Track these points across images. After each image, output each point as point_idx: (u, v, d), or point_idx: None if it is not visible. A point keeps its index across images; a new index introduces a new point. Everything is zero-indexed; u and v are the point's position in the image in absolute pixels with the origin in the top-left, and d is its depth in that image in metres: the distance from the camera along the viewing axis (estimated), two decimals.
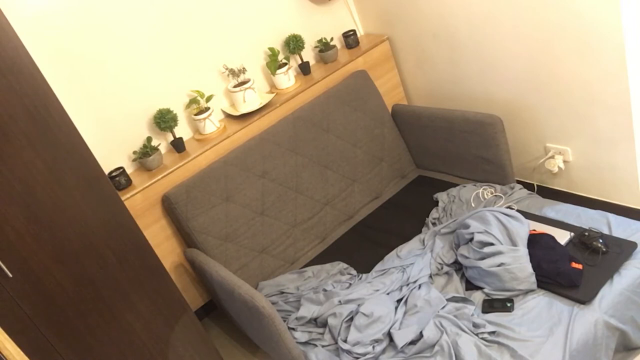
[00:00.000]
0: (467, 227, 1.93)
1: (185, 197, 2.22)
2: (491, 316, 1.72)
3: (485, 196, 2.25)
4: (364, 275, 2.14)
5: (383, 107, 2.64)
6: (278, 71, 2.57)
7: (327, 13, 2.78)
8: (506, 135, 2.26)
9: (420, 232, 2.26)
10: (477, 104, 2.55)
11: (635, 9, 1.79)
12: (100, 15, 2.19)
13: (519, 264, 1.75)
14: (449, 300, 1.82)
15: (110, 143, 2.32)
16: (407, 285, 1.94)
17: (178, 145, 2.41)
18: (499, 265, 1.77)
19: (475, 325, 1.69)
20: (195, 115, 2.44)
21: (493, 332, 1.66)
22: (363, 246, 2.34)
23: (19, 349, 1.61)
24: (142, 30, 2.31)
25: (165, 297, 2.07)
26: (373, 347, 1.76)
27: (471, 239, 1.89)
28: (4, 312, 1.66)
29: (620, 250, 1.76)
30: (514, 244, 1.82)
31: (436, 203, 2.38)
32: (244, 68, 2.53)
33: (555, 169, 2.36)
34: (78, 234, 1.80)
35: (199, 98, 2.46)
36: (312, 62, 2.81)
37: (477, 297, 1.81)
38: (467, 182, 2.42)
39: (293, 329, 1.99)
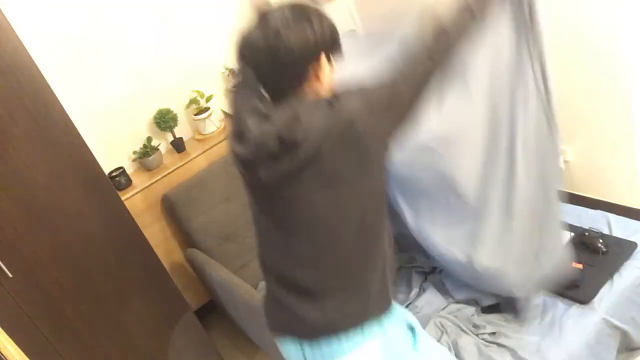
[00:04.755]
0: None
1: (185, 197, 2.22)
2: (491, 316, 1.71)
3: None
4: None
5: None
6: None
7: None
8: None
9: None
10: None
11: (636, 9, 1.79)
12: (101, 16, 2.19)
13: None
14: (449, 300, 1.82)
15: (110, 143, 2.32)
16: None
17: (178, 145, 2.41)
18: None
19: (476, 326, 1.69)
20: (195, 115, 2.44)
21: (493, 333, 1.65)
22: None
23: (19, 349, 1.61)
24: (143, 30, 2.30)
25: (165, 297, 2.07)
26: None
27: None
28: (4, 312, 1.66)
29: (620, 250, 1.75)
30: None
31: None
32: None
33: None
34: (78, 234, 1.80)
35: (198, 98, 2.46)
36: None
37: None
38: None
39: None
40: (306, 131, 1.01)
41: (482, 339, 1.65)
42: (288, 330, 1.21)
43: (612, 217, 1.93)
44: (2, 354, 1.53)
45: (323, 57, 1.08)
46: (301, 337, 1.18)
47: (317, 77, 1.08)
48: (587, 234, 1.83)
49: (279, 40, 1.02)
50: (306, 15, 1.07)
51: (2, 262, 1.63)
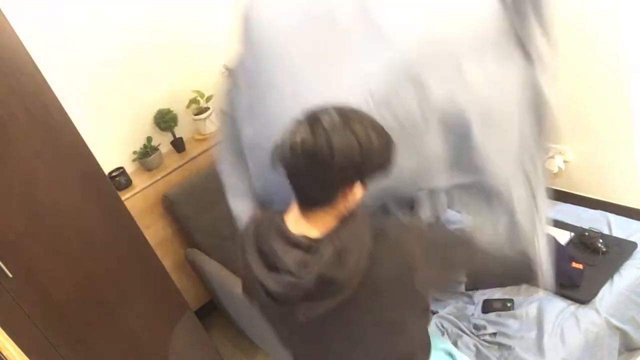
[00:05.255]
0: None
1: (185, 197, 2.22)
2: (491, 316, 1.71)
3: None
4: None
5: None
6: None
7: None
8: None
9: None
10: None
11: (636, 9, 1.79)
12: (101, 16, 2.20)
13: None
14: (449, 300, 1.82)
15: (110, 143, 2.32)
16: None
17: (178, 145, 2.41)
18: None
19: (476, 327, 1.69)
20: (196, 115, 2.44)
21: (494, 334, 1.65)
22: None
23: (19, 349, 1.61)
24: (143, 30, 2.30)
25: (165, 297, 2.07)
26: None
27: None
28: (4, 312, 1.66)
29: (620, 250, 1.76)
30: None
31: None
32: None
33: (555, 169, 2.36)
34: (78, 234, 1.80)
35: (199, 98, 2.46)
36: None
37: (477, 296, 1.81)
38: None
39: None
40: (349, 272, 0.97)
41: (483, 339, 1.65)
42: None
43: (612, 217, 1.93)
44: (2, 354, 1.53)
45: (358, 184, 1.01)
46: None
47: (346, 199, 1.01)
48: (587, 234, 1.83)
49: (323, 145, 0.94)
50: (356, 129, 0.96)
51: (2, 262, 1.63)
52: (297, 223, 1.04)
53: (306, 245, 1.00)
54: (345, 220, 1.03)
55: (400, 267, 1.01)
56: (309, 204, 1.03)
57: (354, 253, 0.98)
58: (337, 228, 1.02)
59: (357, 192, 1.02)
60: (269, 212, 1.12)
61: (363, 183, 1.02)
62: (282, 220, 1.05)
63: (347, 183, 0.99)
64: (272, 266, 1.02)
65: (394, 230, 1.04)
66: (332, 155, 0.94)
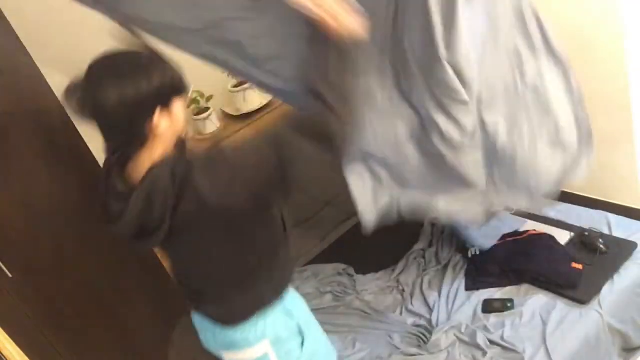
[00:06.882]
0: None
1: None
2: (491, 316, 1.71)
3: None
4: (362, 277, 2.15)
5: None
6: None
7: None
8: None
9: (422, 227, 2.24)
10: None
11: (636, 9, 1.79)
12: (101, 15, 2.19)
13: None
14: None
15: None
16: None
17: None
18: None
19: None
20: (195, 115, 2.44)
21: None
22: (364, 246, 2.34)
23: (19, 349, 1.61)
24: None
25: (165, 297, 2.07)
26: None
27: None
28: (4, 312, 1.66)
29: (620, 250, 1.76)
30: None
31: None
32: None
33: None
34: (78, 234, 1.80)
35: (198, 98, 2.45)
36: None
37: (476, 297, 1.81)
38: None
39: None
40: (159, 214, 1.03)
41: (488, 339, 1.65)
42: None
43: (612, 217, 1.93)
44: (2, 354, 1.53)
45: (158, 113, 1.02)
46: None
47: (155, 133, 1.03)
48: (587, 234, 1.83)
49: (103, 99, 0.99)
50: (132, 70, 1.04)
51: (2, 262, 1.63)
52: (132, 168, 1.08)
53: (125, 197, 1.04)
54: (163, 159, 1.05)
55: (197, 202, 1.02)
56: (126, 150, 1.08)
57: (159, 195, 1.01)
58: (147, 171, 1.03)
59: (161, 125, 1.03)
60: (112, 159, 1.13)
61: (163, 110, 1.03)
62: (120, 171, 1.09)
63: (141, 120, 1.01)
64: (112, 221, 1.09)
65: (183, 169, 1.04)
66: (104, 109, 0.99)
